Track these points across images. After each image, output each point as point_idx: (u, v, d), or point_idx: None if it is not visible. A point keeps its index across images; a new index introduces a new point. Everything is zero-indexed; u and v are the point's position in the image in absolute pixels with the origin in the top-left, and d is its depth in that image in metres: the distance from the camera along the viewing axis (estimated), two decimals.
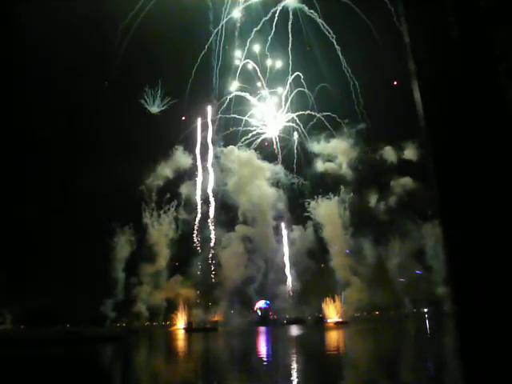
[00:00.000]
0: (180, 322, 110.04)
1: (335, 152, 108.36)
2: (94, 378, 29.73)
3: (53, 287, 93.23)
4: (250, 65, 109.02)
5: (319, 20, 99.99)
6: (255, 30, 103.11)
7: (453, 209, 1.92)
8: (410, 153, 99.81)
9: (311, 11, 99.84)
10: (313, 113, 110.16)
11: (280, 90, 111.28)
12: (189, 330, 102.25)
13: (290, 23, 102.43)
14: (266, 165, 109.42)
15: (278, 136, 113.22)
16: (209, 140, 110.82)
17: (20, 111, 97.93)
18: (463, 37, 2.03)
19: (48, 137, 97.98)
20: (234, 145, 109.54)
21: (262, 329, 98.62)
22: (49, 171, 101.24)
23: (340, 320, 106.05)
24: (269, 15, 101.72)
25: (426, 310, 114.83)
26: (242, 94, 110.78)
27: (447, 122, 1.99)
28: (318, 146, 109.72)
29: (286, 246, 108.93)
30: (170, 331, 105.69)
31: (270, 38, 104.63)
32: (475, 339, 1.78)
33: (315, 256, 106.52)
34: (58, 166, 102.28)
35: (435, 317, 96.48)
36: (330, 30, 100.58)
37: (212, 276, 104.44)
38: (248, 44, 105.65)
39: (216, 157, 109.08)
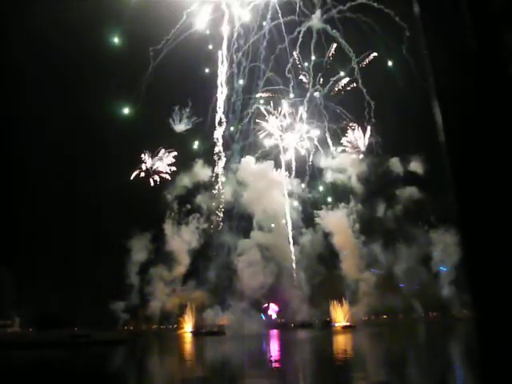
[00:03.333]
0: (188, 325, 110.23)
1: (345, 164, 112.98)
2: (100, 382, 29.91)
3: (63, 290, 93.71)
4: (273, 79, 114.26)
5: (341, 40, 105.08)
6: (280, 47, 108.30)
7: (471, 218, 1.97)
8: (415, 165, 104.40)
9: (334, 31, 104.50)
10: (326, 124, 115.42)
11: (299, 103, 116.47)
12: (196, 333, 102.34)
13: (313, 42, 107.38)
14: (280, 176, 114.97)
15: (294, 148, 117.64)
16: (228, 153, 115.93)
17: (61, 121, 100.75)
18: (480, 47, 2.10)
19: (78, 145, 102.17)
20: (253, 155, 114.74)
21: (270, 332, 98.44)
22: (67, 173, 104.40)
23: (348, 324, 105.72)
24: (294, 34, 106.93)
25: (434, 314, 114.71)
26: (264, 106, 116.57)
27: (466, 132, 2.05)
28: (329, 159, 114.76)
29: (296, 250, 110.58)
30: (177, 334, 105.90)
31: (292, 57, 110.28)
32: (496, 344, 1.79)
33: (324, 260, 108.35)
34: (79, 168, 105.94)
35: (444, 321, 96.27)
36: (350, 49, 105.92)
37: (225, 280, 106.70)
38: (272, 60, 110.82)
39: (234, 171, 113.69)
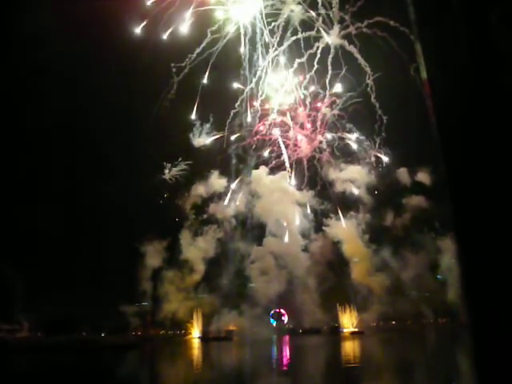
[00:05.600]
0: (195, 330, 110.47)
1: (355, 176, 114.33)
2: None
3: (72, 294, 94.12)
4: (290, 90, 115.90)
5: (357, 55, 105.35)
6: (298, 61, 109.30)
7: (468, 224, 1.95)
8: (422, 175, 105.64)
9: (351, 46, 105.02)
10: (337, 134, 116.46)
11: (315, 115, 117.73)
12: (204, 339, 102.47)
13: (330, 57, 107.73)
14: (293, 186, 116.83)
15: (307, 160, 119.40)
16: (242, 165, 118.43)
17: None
18: (478, 61, 2.09)
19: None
20: (267, 165, 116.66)
21: (278, 338, 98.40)
22: (84, 175, 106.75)
23: (356, 330, 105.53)
24: (313, 49, 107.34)
25: (443, 320, 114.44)
26: (281, 117, 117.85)
27: (463, 144, 2.03)
28: (339, 170, 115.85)
29: (306, 257, 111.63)
30: (185, 340, 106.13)
31: (309, 74, 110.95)
32: (490, 351, 1.80)
33: (334, 267, 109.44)
34: (97, 171, 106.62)
35: (452, 327, 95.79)
36: (366, 64, 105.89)
37: (236, 287, 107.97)
38: (289, 73, 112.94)
39: (247, 182, 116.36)
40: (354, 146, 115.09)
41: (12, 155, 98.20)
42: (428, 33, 2.29)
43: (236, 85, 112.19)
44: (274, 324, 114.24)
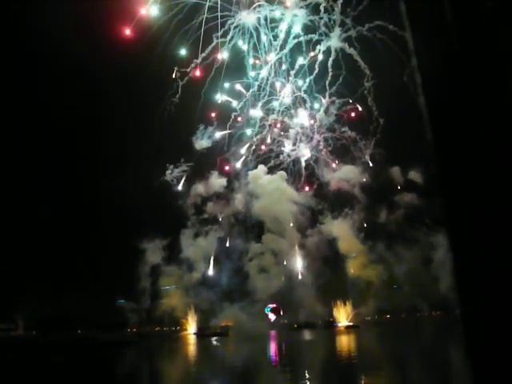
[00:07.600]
0: (191, 326, 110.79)
1: (349, 175, 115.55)
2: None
3: (67, 292, 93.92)
4: (291, 92, 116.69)
5: (357, 57, 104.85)
6: (299, 65, 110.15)
7: (459, 217, 2.00)
8: (414, 174, 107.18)
9: (351, 48, 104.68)
10: (335, 135, 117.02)
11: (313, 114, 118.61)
12: (200, 334, 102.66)
13: (331, 59, 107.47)
14: (290, 186, 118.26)
15: (304, 160, 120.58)
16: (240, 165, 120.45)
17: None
18: (466, 48, 2.12)
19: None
20: (266, 165, 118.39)
21: (273, 333, 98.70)
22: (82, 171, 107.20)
23: (351, 324, 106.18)
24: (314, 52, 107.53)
25: (437, 313, 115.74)
26: (281, 118, 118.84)
27: (454, 133, 2.07)
28: (335, 169, 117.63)
29: (303, 253, 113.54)
30: (180, 336, 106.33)
31: (310, 78, 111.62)
32: (482, 344, 1.80)
33: (329, 263, 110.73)
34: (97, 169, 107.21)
35: (446, 320, 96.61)
36: (366, 66, 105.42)
37: (234, 283, 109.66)
38: (292, 76, 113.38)
39: (246, 182, 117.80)
40: (350, 147, 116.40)
41: (11, 150, 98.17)
42: (421, 25, 2.31)
43: (239, 88, 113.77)
44: (272, 319, 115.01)
